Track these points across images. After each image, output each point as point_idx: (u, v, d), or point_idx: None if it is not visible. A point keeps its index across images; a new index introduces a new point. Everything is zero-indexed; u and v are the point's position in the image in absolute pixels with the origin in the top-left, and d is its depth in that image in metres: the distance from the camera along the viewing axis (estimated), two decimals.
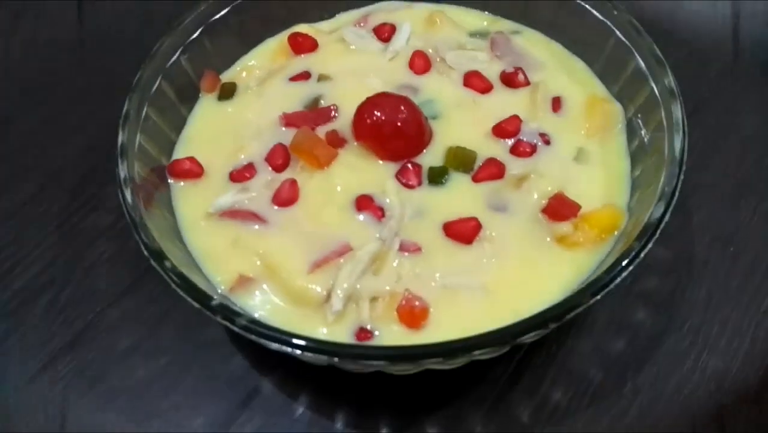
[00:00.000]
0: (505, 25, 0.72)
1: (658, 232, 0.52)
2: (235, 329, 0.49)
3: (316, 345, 0.49)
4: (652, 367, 0.58)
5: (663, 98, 0.59)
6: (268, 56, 0.70)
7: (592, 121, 0.63)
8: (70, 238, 0.67)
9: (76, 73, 0.80)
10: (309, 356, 0.49)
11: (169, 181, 0.62)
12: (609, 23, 0.64)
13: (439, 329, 0.53)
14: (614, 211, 0.58)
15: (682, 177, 0.54)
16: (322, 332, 0.54)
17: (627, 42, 0.63)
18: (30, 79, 0.80)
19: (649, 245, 0.51)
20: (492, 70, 0.67)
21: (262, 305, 0.55)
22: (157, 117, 0.63)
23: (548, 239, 0.57)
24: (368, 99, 0.62)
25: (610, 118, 0.63)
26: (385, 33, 0.70)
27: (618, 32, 0.64)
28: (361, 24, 0.72)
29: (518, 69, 0.67)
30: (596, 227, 0.56)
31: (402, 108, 0.61)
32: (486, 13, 0.73)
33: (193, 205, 0.60)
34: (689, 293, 0.62)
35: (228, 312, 0.50)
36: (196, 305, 0.50)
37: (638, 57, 0.62)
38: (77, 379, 0.60)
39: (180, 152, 0.64)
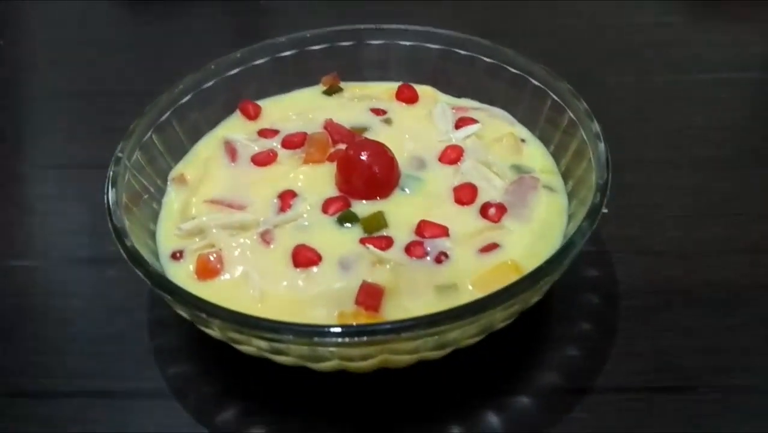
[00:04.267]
0: (552, 180, 0.71)
1: None
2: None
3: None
4: None
5: None
6: (384, 90, 0.82)
7: (487, 278, 0.61)
8: None
9: None
10: None
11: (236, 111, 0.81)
12: None
13: (217, 294, 0.61)
14: None
15: None
16: (172, 238, 0.67)
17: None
18: None
19: None
20: (489, 196, 0.68)
21: (172, 197, 0.71)
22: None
23: (339, 310, 0.60)
24: (366, 139, 0.71)
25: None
26: (462, 124, 0.76)
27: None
28: (459, 111, 0.78)
29: (501, 208, 0.67)
30: None
31: (378, 164, 0.68)
32: (555, 165, 0.72)
33: (226, 128, 0.78)
34: None
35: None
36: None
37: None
38: None
39: (264, 102, 0.82)
